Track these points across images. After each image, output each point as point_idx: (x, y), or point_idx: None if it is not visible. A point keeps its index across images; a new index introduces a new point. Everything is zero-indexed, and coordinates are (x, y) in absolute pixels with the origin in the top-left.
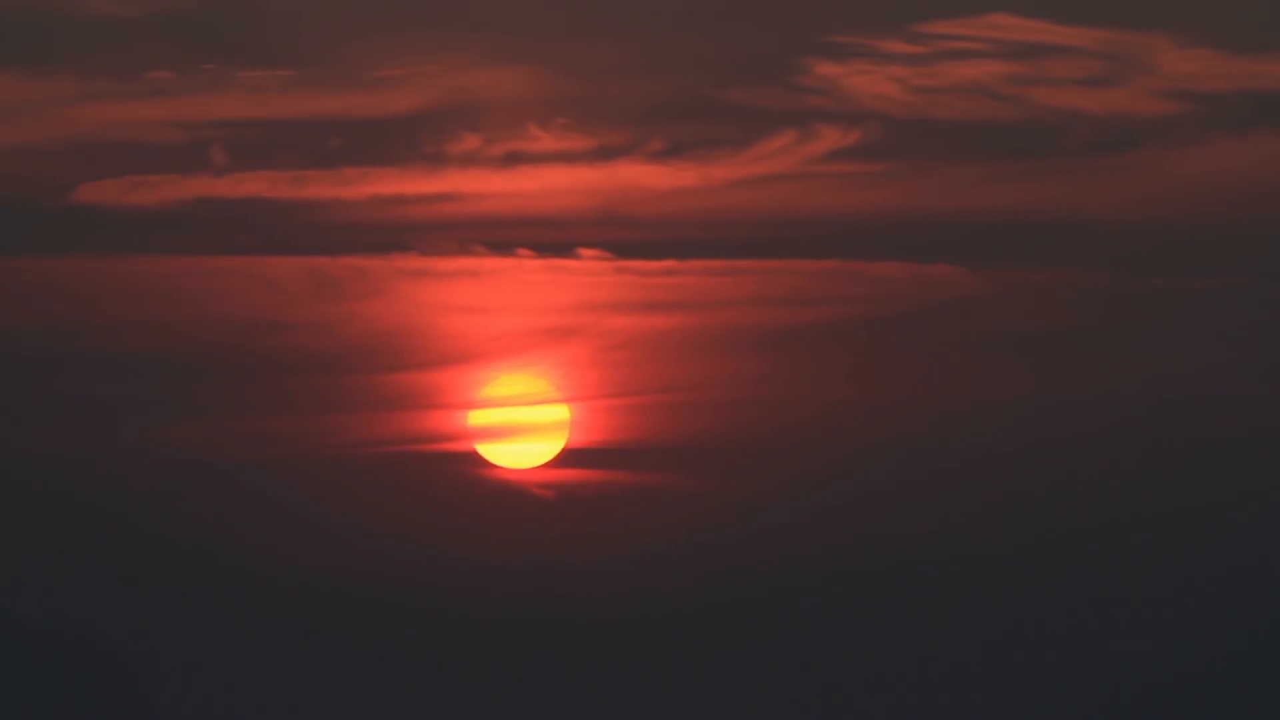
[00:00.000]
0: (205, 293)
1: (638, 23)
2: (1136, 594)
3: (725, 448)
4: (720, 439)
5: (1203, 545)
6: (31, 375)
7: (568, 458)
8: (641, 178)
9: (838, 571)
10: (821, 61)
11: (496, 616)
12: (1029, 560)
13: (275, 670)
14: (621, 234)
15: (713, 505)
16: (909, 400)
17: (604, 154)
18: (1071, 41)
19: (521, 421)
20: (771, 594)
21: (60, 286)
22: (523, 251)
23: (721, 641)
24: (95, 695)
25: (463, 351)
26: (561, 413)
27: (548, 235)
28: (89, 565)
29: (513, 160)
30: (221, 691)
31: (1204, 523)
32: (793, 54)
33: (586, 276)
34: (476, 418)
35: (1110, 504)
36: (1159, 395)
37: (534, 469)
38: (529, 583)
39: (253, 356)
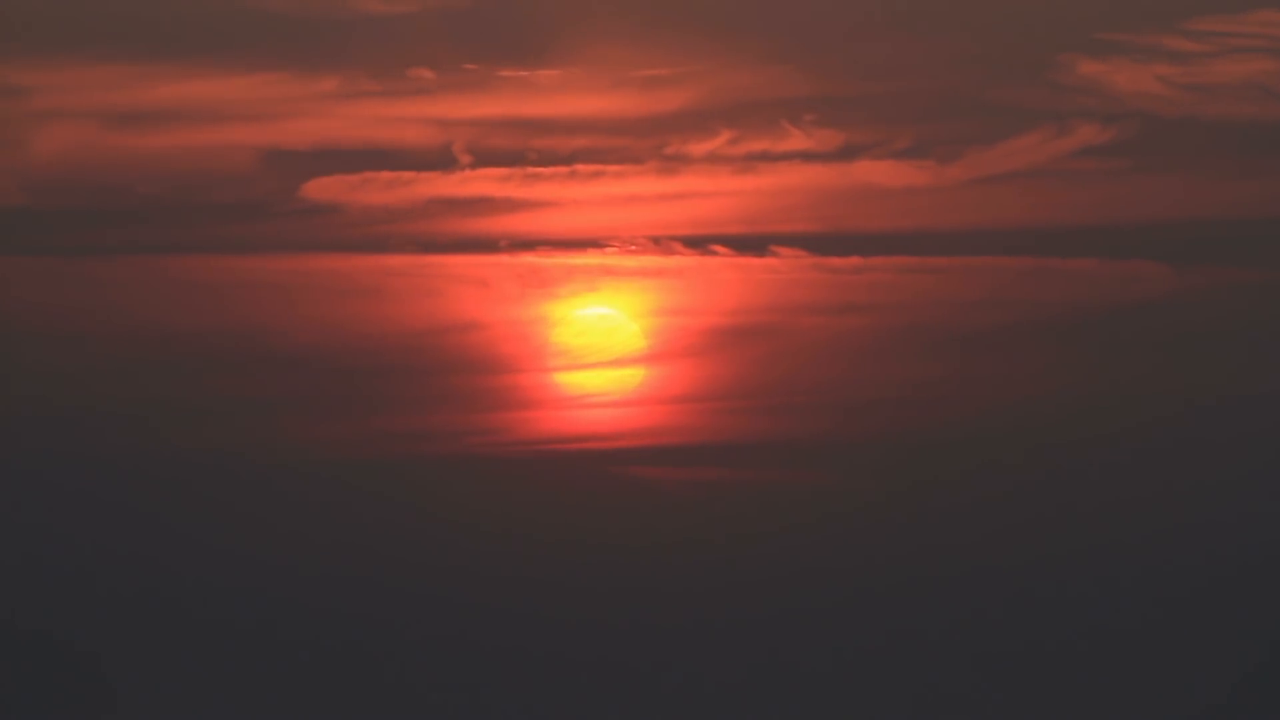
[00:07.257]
0: (412, 291)
1: (908, 23)
2: None
3: (889, 446)
4: (883, 438)
5: None
6: (226, 374)
7: (710, 454)
8: (874, 175)
9: (1007, 572)
10: (1084, 60)
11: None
12: (1227, 561)
13: (440, 657)
14: (827, 231)
15: (870, 503)
16: (1090, 399)
17: (847, 153)
18: None
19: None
20: (936, 591)
21: (271, 285)
22: (718, 249)
23: (881, 637)
24: (270, 681)
25: (640, 349)
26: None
27: (752, 232)
28: (279, 559)
29: (752, 159)
30: (397, 679)
31: None
32: (1055, 52)
33: (773, 274)
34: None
35: None
36: None
37: (683, 467)
38: (676, 576)
39: (437, 356)
